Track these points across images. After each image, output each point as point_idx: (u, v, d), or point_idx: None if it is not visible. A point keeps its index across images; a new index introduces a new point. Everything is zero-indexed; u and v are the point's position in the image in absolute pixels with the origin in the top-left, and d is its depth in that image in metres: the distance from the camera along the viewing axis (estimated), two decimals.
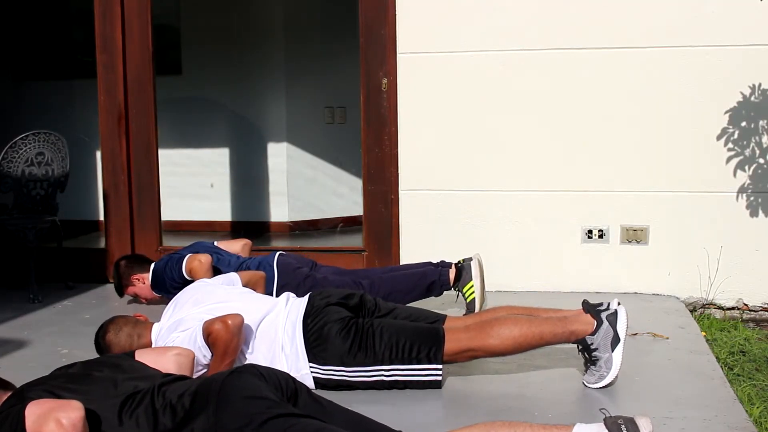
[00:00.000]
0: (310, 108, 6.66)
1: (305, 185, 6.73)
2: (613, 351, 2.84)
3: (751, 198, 4.18)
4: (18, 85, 7.00)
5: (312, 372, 2.91)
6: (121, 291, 4.21)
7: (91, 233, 6.44)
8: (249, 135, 6.73)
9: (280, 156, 6.66)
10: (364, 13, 4.52)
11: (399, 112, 4.48)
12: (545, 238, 4.39)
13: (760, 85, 4.11)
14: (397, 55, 4.45)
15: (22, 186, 4.43)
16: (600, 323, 2.84)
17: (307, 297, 3.10)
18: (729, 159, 4.18)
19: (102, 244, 5.11)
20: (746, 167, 4.17)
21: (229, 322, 2.81)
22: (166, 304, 3.29)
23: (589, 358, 2.89)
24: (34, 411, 1.97)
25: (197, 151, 6.76)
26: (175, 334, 2.94)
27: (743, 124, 4.16)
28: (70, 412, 1.94)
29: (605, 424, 2.00)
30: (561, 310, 3.03)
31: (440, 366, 2.89)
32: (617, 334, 2.83)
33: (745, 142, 4.16)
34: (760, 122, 4.15)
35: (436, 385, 2.90)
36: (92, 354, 2.90)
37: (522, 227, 4.41)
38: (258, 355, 2.97)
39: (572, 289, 4.33)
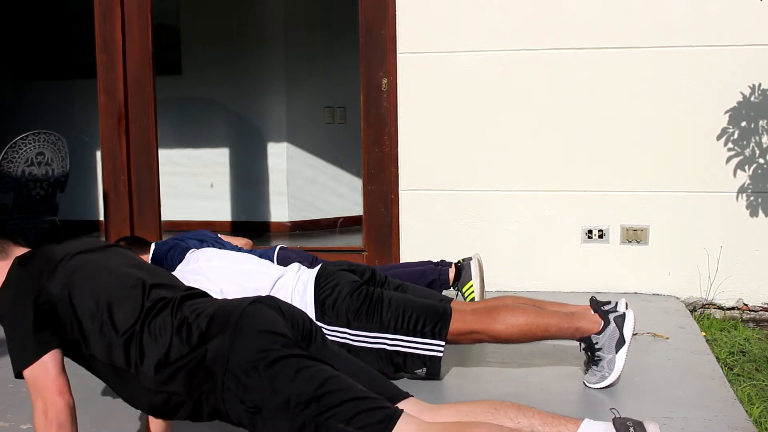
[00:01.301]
0: (310, 108, 6.65)
1: (305, 185, 6.73)
2: (617, 353, 2.83)
3: (751, 198, 4.18)
4: (18, 85, 7.00)
5: None
6: None
7: (91, 233, 6.44)
8: (249, 135, 6.73)
9: (280, 156, 6.65)
10: (364, 13, 4.51)
11: (399, 112, 4.48)
12: (545, 238, 4.39)
13: (760, 85, 4.11)
14: (397, 55, 4.45)
15: (22, 186, 4.43)
16: (607, 323, 2.84)
17: (319, 265, 3.13)
18: (729, 159, 4.18)
19: None
20: (746, 167, 4.17)
21: None
22: None
23: (592, 357, 2.88)
24: (34, 370, 1.99)
25: (197, 151, 6.76)
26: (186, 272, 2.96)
27: (743, 124, 4.16)
28: (59, 404, 1.97)
29: (614, 425, 1.98)
30: (568, 305, 3.03)
31: (443, 343, 2.89)
32: (623, 336, 2.83)
33: (745, 142, 4.16)
34: (760, 122, 4.15)
35: (436, 362, 2.90)
36: None
37: (522, 227, 4.41)
38: None
39: (572, 289, 4.33)
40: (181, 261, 3.90)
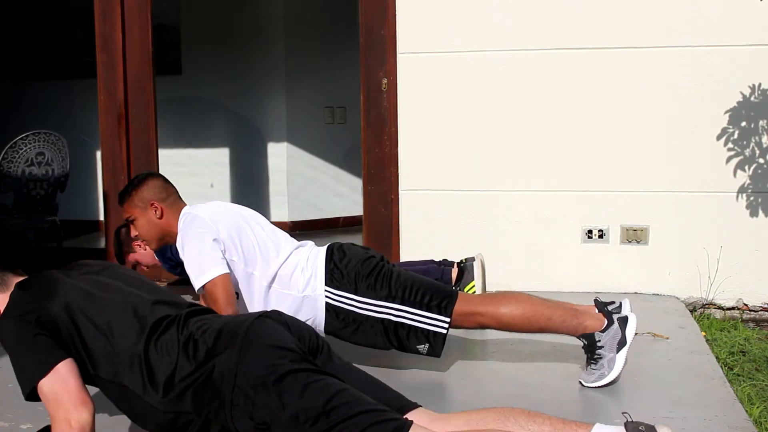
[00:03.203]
0: (310, 108, 6.66)
1: (305, 185, 6.73)
2: (617, 352, 2.84)
3: (751, 198, 4.18)
4: (18, 85, 7.00)
5: (326, 294, 2.96)
6: (122, 259, 4.13)
7: (91, 233, 6.45)
8: (249, 135, 6.73)
9: (280, 156, 6.66)
10: (364, 13, 4.51)
11: (399, 112, 4.48)
12: (545, 238, 4.39)
13: (760, 85, 4.11)
14: (397, 55, 4.45)
15: (22, 186, 4.43)
16: (611, 323, 2.85)
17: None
18: (729, 159, 4.18)
19: (102, 244, 5.11)
20: (746, 167, 4.17)
21: None
22: (165, 274, 3.26)
23: (591, 355, 2.89)
24: (53, 382, 1.98)
25: (197, 151, 6.76)
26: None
27: (743, 124, 4.16)
28: (82, 413, 1.96)
29: (626, 429, 1.98)
30: (572, 304, 3.04)
31: (448, 320, 2.90)
32: (625, 336, 2.84)
33: (745, 142, 4.16)
34: (760, 122, 4.15)
35: (440, 339, 2.90)
36: None
37: (522, 227, 4.41)
38: (278, 271, 3.04)
39: (572, 289, 4.32)
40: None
